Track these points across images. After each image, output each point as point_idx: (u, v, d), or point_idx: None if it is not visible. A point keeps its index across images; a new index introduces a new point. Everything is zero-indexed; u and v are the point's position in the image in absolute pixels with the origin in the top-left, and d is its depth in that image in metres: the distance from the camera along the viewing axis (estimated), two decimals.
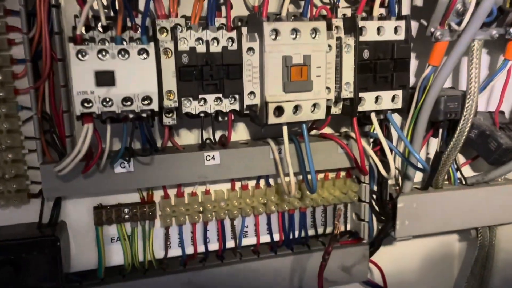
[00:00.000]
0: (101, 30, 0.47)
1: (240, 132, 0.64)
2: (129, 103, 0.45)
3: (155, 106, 0.46)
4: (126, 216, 0.61)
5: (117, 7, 0.45)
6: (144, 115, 0.46)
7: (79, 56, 0.42)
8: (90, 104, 0.44)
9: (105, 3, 0.51)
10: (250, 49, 0.51)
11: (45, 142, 0.55)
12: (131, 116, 0.45)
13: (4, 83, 0.53)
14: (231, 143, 0.61)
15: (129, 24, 0.48)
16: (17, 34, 0.53)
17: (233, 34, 0.50)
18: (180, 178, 0.59)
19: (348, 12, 0.58)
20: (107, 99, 0.44)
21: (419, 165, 0.61)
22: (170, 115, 0.50)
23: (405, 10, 0.63)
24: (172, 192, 0.63)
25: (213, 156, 0.58)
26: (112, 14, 0.50)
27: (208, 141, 0.58)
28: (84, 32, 0.46)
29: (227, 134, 0.57)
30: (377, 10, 0.55)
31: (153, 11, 0.51)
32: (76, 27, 0.44)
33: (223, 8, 0.54)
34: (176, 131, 0.61)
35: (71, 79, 0.43)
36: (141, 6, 0.53)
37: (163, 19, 0.49)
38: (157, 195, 0.63)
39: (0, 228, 0.57)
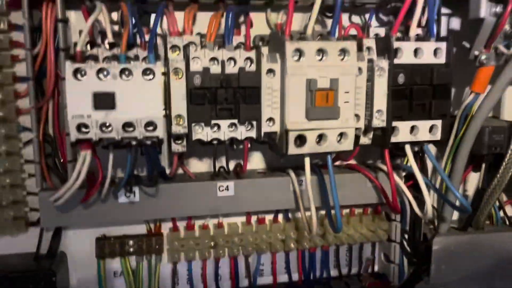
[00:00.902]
0: (107, 47, 0.43)
1: (256, 161, 0.59)
2: (131, 129, 0.40)
3: (160, 133, 0.41)
4: (131, 249, 0.56)
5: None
6: (148, 142, 0.41)
7: (77, 75, 0.38)
8: (87, 129, 0.39)
9: (114, 18, 0.47)
10: (271, 70, 0.45)
11: (46, 167, 0.51)
12: (133, 143, 0.40)
13: (5, 102, 0.49)
14: (246, 173, 0.55)
15: (138, 41, 0.44)
16: (21, 50, 0.50)
17: (252, 54, 0.45)
18: (190, 210, 0.53)
19: (382, 32, 0.53)
20: (106, 124, 0.39)
21: (458, 204, 0.54)
22: (180, 141, 0.45)
23: (443, 32, 0.57)
24: (181, 224, 0.57)
25: (227, 186, 0.53)
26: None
27: (221, 170, 0.53)
28: (89, 48, 0.42)
29: (242, 163, 0.52)
30: (415, 30, 0.49)
31: (166, 28, 0.47)
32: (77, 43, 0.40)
33: (242, 26, 0.50)
34: (187, 158, 0.55)
35: (66, 101, 0.38)
36: None
37: (176, 36, 0.45)
38: (165, 227, 0.57)
39: None
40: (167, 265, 0.58)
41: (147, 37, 0.44)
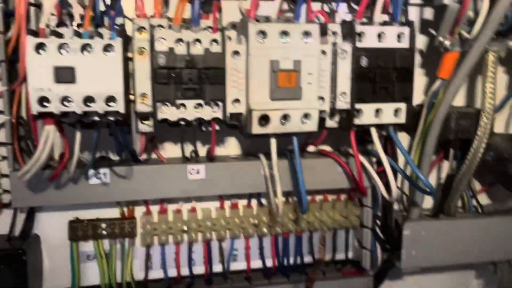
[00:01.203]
0: (76, 28, 0.44)
1: (231, 146, 0.60)
2: (92, 104, 0.41)
3: (120, 107, 0.42)
4: (104, 232, 0.56)
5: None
6: (111, 118, 0.42)
7: (39, 50, 0.39)
8: (48, 103, 0.40)
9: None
10: (236, 52, 0.46)
11: (19, 149, 0.52)
12: (96, 118, 0.41)
13: None
14: (220, 158, 0.56)
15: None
16: None
17: (218, 36, 0.46)
18: (160, 193, 0.54)
19: (348, 18, 0.54)
20: (68, 98, 0.40)
21: (426, 189, 0.55)
22: (146, 121, 0.46)
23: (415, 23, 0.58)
24: (155, 208, 0.58)
25: (198, 170, 0.54)
26: None
27: (192, 153, 0.54)
28: (56, 28, 0.43)
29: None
30: (379, 16, 0.50)
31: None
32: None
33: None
34: (161, 143, 0.56)
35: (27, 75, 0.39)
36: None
37: (142, 17, 0.46)
38: (139, 211, 0.58)
39: None
40: (140, 249, 0.59)
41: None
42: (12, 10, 0.49)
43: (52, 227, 0.56)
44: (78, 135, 0.45)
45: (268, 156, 0.55)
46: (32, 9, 0.48)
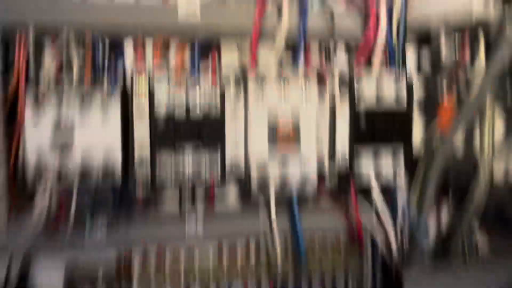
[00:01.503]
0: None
1: (230, 198, 0.59)
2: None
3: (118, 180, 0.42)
4: (101, 279, 0.56)
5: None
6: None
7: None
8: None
9: None
10: (234, 109, 0.46)
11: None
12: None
13: None
14: (218, 209, 0.56)
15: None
16: None
17: (217, 93, 0.46)
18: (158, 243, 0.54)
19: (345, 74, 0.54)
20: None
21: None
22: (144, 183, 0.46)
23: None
24: (152, 254, 0.58)
25: (196, 220, 0.54)
26: None
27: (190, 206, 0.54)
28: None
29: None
30: (376, 70, 0.50)
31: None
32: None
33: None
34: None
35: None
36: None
37: (141, 72, 0.46)
38: (136, 257, 0.58)
39: None
40: None
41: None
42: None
43: (48, 275, 0.56)
44: (74, 199, 0.45)
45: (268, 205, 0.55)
46: None
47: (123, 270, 0.56)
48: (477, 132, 0.59)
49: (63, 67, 0.46)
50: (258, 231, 0.55)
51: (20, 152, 0.47)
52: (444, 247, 0.62)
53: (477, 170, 0.56)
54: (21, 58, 0.48)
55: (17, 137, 0.49)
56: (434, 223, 0.65)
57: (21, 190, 0.50)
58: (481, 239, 0.65)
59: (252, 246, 0.59)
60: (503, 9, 0.46)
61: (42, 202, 0.43)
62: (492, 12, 0.47)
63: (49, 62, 0.44)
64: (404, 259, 0.61)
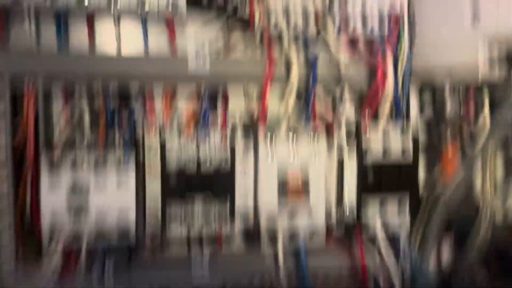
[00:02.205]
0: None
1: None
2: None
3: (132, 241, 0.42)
4: None
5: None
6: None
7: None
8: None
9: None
10: (244, 166, 0.47)
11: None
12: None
13: None
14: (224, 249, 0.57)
15: None
16: None
17: (227, 151, 0.46)
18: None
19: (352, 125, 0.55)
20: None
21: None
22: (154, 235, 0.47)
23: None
24: None
25: (202, 263, 0.54)
26: None
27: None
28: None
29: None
30: (383, 123, 0.51)
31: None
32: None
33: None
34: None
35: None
36: None
37: (152, 131, 0.46)
38: None
39: None
40: None
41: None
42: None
43: None
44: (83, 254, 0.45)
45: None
46: None
47: None
48: (478, 175, 0.61)
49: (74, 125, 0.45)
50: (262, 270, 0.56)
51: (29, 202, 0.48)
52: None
53: (478, 211, 0.58)
54: (30, 108, 0.48)
55: (24, 185, 0.50)
56: (435, 263, 0.67)
57: (30, 243, 0.51)
58: (482, 278, 0.67)
59: None
60: (508, 71, 0.47)
61: (54, 261, 0.43)
62: (497, 73, 0.48)
63: (61, 120, 0.44)
64: None
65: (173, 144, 0.45)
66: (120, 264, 0.51)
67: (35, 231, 0.50)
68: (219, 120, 0.50)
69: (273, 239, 0.48)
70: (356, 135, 0.50)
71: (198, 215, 0.48)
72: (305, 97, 0.51)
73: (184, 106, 0.50)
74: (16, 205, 0.49)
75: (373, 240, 0.53)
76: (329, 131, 0.50)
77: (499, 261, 0.61)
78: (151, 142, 0.46)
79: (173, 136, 0.46)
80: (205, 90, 0.49)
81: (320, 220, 0.49)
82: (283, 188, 0.47)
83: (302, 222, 0.48)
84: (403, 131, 0.52)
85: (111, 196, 0.42)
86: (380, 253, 0.56)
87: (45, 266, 0.45)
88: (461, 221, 0.60)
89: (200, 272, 0.54)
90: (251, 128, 0.50)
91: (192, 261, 0.54)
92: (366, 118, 0.51)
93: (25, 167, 0.49)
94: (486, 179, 0.57)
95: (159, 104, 0.49)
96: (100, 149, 0.43)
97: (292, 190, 0.48)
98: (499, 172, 0.65)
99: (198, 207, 0.47)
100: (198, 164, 0.46)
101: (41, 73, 0.46)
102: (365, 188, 0.50)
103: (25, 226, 0.51)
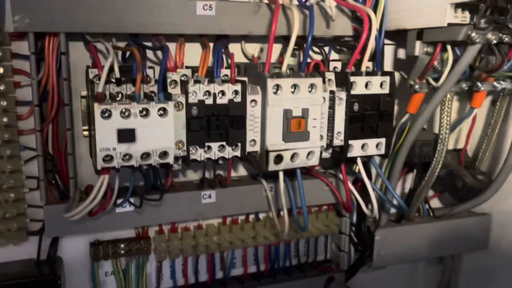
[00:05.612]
0: (113, 80, 0.49)
1: (239, 170, 0.68)
2: (147, 157, 0.48)
3: (171, 159, 0.49)
4: (122, 252, 0.63)
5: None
6: (158, 166, 0.48)
7: (104, 115, 0.45)
8: (111, 159, 0.46)
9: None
10: (253, 100, 0.54)
11: (48, 182, 0.56)
12: (145, 167, 0.48)
13: (9, 126, 0.54)
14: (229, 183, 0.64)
15: None
16: (22, 76, 0.55)
17: (238, 87, 0.53)
18: (178, 217, 0.62)
19: (339, 65, 0.64)
20: (127, 155, 0.47)
21: (396, 202, 0.67)
22: (178, 162, 0.53)
23: (388, 61, 0.70)
24: (166, 227, 0.65)
25: (210, 194, 0.61)
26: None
27: (207, 180, 0.61)
28: (97, 82, 0.48)
29: (225, 174, 0.61)
30: (365, 65, 0.60)
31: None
32: (93, 82, 0.46)
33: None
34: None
35: (94, 136, 0.45)
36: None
37: (173, 71, 0.52)
38: (152, 230, 0.65)
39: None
40: (153, 263, 0.66)
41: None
42: (41, 56, 0.53)
43: (74, 250, 0.61)
44: (117, 179, 0.51)
45: (267, 178, 0.64)
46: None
47: (142, 243, 0.63)
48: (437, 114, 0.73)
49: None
50: (263, 201, 0.64)
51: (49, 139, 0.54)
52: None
53: (436, 148, 0.70)
54: (51, 56, 0.52)
55: (47, 126, 0.55)
56: (401, 189, 0.79)
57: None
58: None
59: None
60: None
61: (98, 194, 0.49)
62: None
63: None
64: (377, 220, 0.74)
65: (194, 93, 0.52)
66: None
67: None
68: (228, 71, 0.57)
69: (278, 159, 0.55)
70: (344, 77, 0.59)
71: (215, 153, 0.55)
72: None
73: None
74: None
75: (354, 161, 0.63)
76: (323, 79, 0.58)
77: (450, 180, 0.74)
78: (174, 90, 0.52)
79: (194, 86, 0.52)
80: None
81: (316, 148, 0.57)
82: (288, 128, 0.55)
83: (302, 146, 0.56)
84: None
85: (154, 134, 0.48)
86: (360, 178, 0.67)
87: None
88: (424, 155, 0.72)
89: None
90: (255, 77, 0.57)
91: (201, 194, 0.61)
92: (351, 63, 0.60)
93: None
94: (444, 114, 0.68)
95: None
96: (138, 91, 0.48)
97: (295, 128, 0.55)
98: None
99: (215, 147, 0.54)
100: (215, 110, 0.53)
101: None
102: (351, 119, 0.59)
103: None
